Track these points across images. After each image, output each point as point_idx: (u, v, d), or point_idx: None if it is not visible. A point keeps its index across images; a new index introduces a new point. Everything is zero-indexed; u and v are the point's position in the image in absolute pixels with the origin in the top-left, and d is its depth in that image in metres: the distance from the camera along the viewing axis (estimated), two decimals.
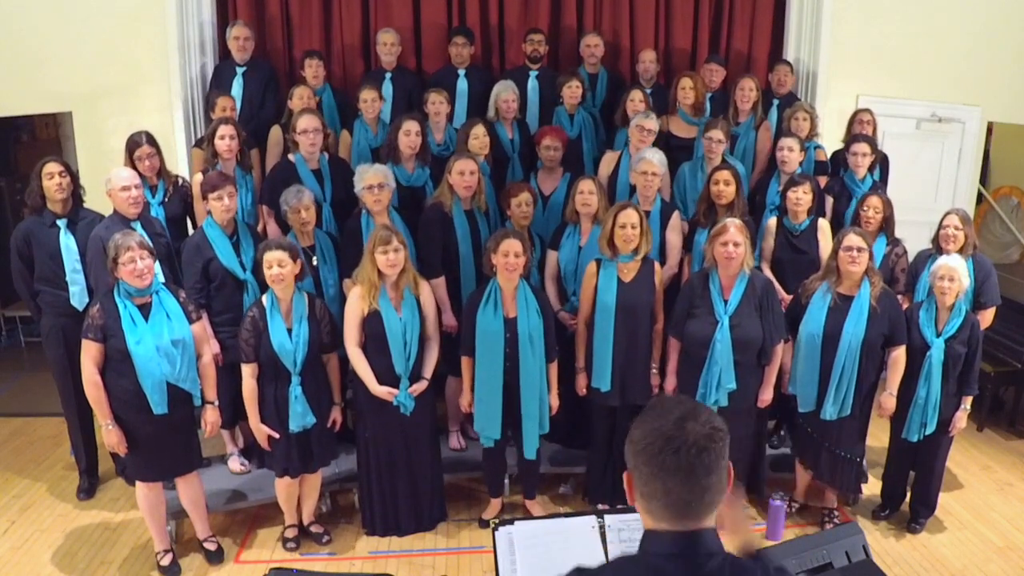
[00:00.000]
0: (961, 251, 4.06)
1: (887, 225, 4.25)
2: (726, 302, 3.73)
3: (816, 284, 3.90)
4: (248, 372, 3.63)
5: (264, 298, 3.64)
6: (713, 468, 1.34)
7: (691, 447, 1.33)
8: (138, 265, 3.32)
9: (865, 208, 4.21)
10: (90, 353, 3.38)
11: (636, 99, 4.91)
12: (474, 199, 4.29)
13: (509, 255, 3.66)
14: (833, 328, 3.78)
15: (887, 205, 4.22)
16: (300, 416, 3.63)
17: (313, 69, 5.10)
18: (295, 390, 3.61)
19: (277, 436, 3.67)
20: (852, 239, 3.76)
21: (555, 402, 3.94)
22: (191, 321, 3.54)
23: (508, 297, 3.77)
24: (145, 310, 3.42)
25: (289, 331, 3.59)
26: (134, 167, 4.21)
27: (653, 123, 4.57)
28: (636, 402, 4.03)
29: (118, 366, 3.39)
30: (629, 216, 3.81)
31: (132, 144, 4.24)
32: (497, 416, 3.84)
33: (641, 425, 1.40)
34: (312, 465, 3.80)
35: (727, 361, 3.68)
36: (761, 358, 3.79)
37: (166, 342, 3.41)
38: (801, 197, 4.25)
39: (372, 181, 4.05)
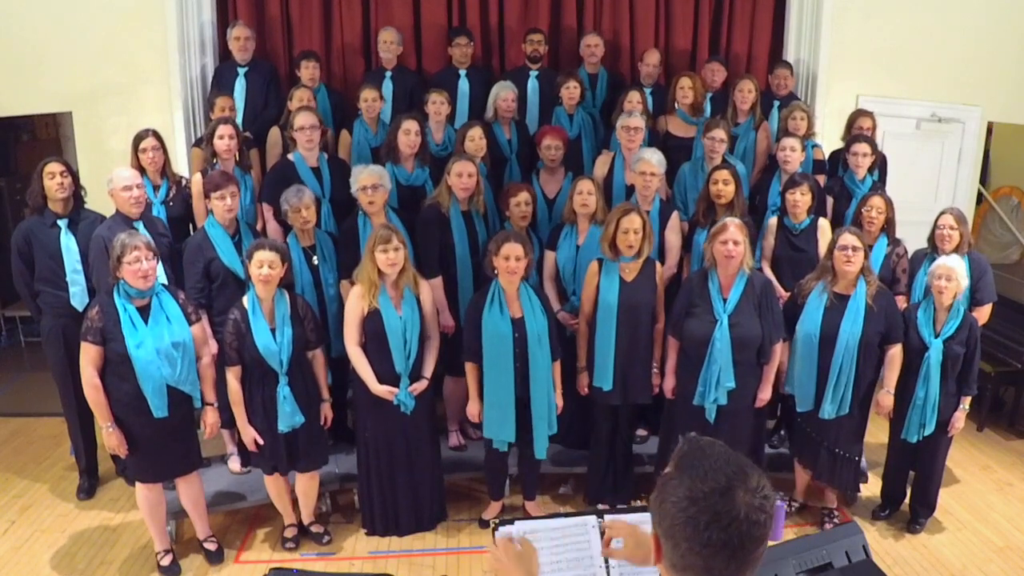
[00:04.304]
0: (956, 250, 4.06)
1: (888, 226, 4.25)
2: (725, 301, 3.73)
3: (812, 284, 3.91)
4: (232, 375, 3.63)
5: (245, 299, 3.63)
6: (762, 539, 1.16)
7: (742, 522, 1.12)
8: (143, 266, 3.32)
9: (868, 208, 4.21)
10: (89, 356, 3.38)
11: (634, 100, 4.91)
12: (472, 201, 4.29)
13: (510, 259, 3.66)
14: (830, 327, 3.78)
15: (889, 206, 4.23)
16: (289, 416, 3.63)
17: (309, 71, 5.10)
18: (283, 390, 3.61)
19: (262, 442, 3.67)
20: (847, 238, 3.77)
21: (560, 401, 3.94)
22: (191, 323, 3.54)
23: (511, 298, 3.77)
24: (145, 312, 3.42)
25: (273, 332, 3.59)
26: (138, 161, 4.22)
27: (637, 121, 4.55)
28: (637, 401, 4.05)
29: (118, 369, 3.38)
30: (632, 222, 3.80)
31: (137, 138, 4.27)
32: (511, 419, 3.81)
33: (677, 488, 1.18)
34: (300, 465, 3.79)
35: (726, 360, 3.68)
36: (760, 357, 3.79)
37: (166, 345, 3.41)
38: (799, 199, 4.26)
39: (367, 182, 4.05)
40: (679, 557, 1.18)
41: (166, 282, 3.81)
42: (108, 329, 3.36)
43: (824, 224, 4.37)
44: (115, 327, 3.35)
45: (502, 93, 4.92)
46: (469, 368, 3.87)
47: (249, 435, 3.68)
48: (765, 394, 3.87)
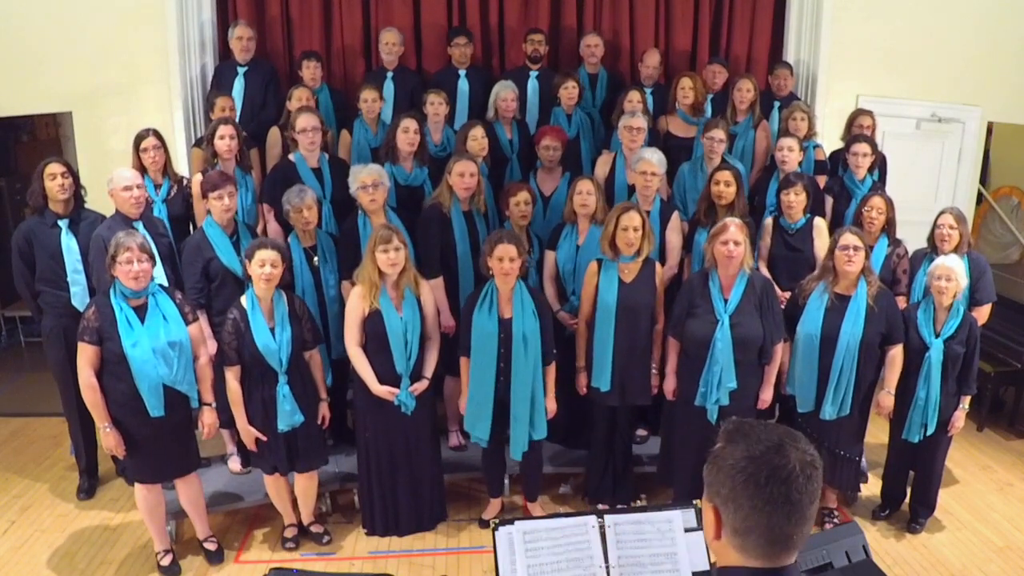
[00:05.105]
0: (956, 250, 4.07)
1: (889, 226, 4.25)
2: (726, 301, 3.72)
3: (813, 284, 3.90)
4: (231, 375, 3.63)
5: (244, 299, 3.63)
6: (816, 496, 1.24)
7: (799, 475, 1.21)
8: (134, 267, 3.31)
9: (868, 209, 4.20)
10: (86, 356, 3.38)
11: (634, 100, 4.91)
12: (472, 200, 4.30)
13: (504, 260, 3.66)
14: (831, 328, 3.78)
15: (890, 206, 4.22)
16: (288, 415, 3.63)
17: (311, 70, 5.11)
18: (283, 389, 3.61)
19: (264, 439, 3.67)
20: (848, 238, 3.77)
21: (551, 406, 3.92)
22: (187, 322, 3.54)
23: (504, 298, 3.77)
24: (141, 312, 3.41)
25: (272, 331, 3.59)
26: (139, 160, 4.22)
27: (640, 121, 4.56)
28: (636, 402, 4.05)
29: (115, 369, 3.38)
30: (632, 219, 3.80)
31: (138, 138, 4.27)
32: (487, 417, 3.83)
33: (732, 453, 1.25)
34: (300, 465, 3.79)
35: (727, 360, 3.68)
36: (761, 357, 3.79)
37: (163, 344, 3.41)
38: (794, 199, 4.26)
39: (367, 180, 4.05)
40: (741, 520, 1.23)
41: (165, 283, 3.81)
42: (104, 329, 3.36)
43: (820, 224, 4.37)
44: (111, 327, 3.35)
45: (502, 93, 4.93)
46: (462, 362, 3.90)
47: (250, 435, 3.68)
48: (767, 395, 3.87)
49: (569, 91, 5.02)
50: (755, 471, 1.21)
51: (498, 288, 3.76)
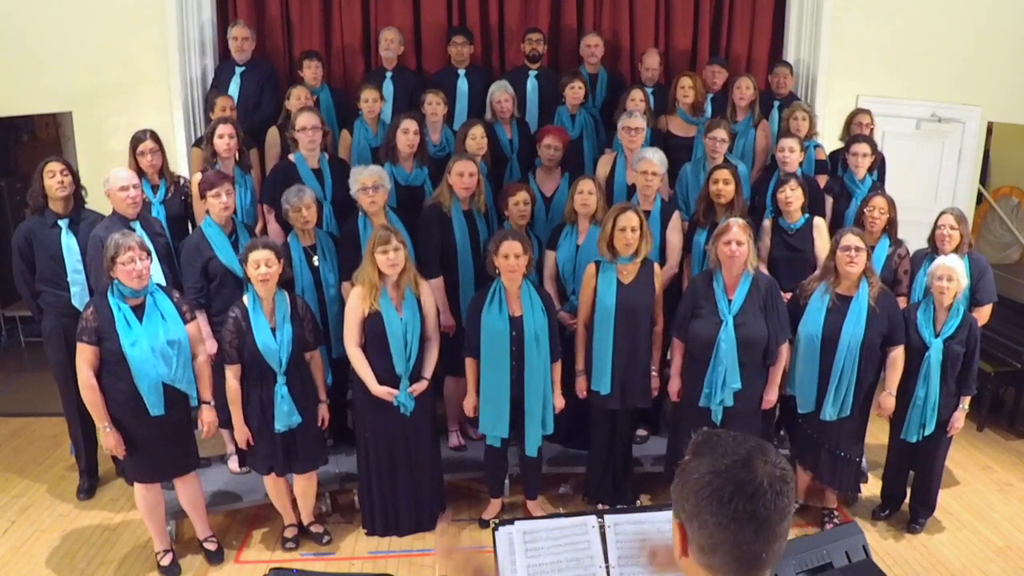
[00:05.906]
0: (956, 250, 4.06)
1: (890, 226, 4.25)
2: (730, 302, 3.72)
3: (814, 285, 3.90)
4: (231, 373, 3.63)
5: (245, 298, 3.63)
6: (787, 513, 1.18)
7: (766, 491, 1.15)
8: (137, 266, 3.32)
9: (870, 209, 4.20)
10: (85, 356, 3.38)
11: (637, 99, 4.91)
12: (472, 200, 4.30)
13: (510, 257, 3.67)
14: (832, 329, 3.78)
15: (891, 206, 4.22)
16: (286, 416, 3.63)
17: (312, 70, 5.11)
18: (281, 390, 3.61)
19: (252, 443, 3.67)
20: (850, 239, 3.76)
21: (559, 402, 3.94)
22: (185, 321, 3.54)
23: (512, 296, 3.78)
24: (139, 311, 3.42)
25: (273, 331, 3.59)
26: (137, 163, 4.22)
27: (638, 121, 4.55)
28: (636, 405, 4.04)
29: (114, 368, 3.39)
30: (629, 219, 3.80)
31: (136, 140, 4.26)
32: (505, 415, 3.84)
33: (697, 467, 1.19)
34: (297, 466, 3.79)
35: (732, 361, 3.68)
36: (766, 358, 3.78)
37: (161, 343, 3.41)
38: (790, 195, 4.25)
39: (367, 182, 4.05)
40: (707, 537, 1.18)
41: (163, 282, 3.81)
42: (103, 329, 3.36)
43: (820, 223, 4.36)
44: (110, 326, 3.36)
45: (497, 94, 4.92)
46: (468, 363, 3.90)
47: (243, 434, 3.68)
48: (772, 396, 3.86)
49: (575, 91, 5.02)
50: (720, 486, 1.15)
51: (505, 287, 3.76)
